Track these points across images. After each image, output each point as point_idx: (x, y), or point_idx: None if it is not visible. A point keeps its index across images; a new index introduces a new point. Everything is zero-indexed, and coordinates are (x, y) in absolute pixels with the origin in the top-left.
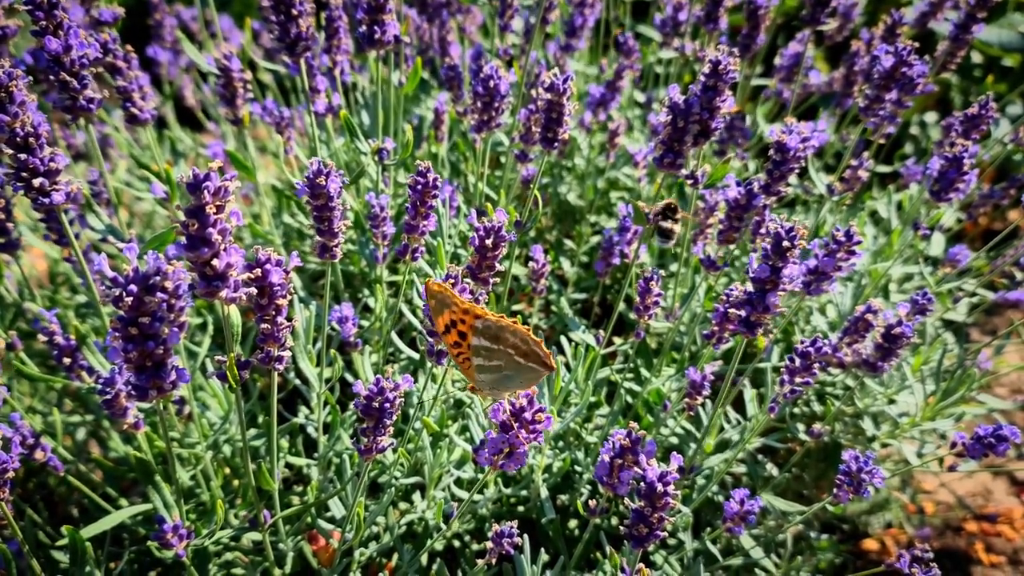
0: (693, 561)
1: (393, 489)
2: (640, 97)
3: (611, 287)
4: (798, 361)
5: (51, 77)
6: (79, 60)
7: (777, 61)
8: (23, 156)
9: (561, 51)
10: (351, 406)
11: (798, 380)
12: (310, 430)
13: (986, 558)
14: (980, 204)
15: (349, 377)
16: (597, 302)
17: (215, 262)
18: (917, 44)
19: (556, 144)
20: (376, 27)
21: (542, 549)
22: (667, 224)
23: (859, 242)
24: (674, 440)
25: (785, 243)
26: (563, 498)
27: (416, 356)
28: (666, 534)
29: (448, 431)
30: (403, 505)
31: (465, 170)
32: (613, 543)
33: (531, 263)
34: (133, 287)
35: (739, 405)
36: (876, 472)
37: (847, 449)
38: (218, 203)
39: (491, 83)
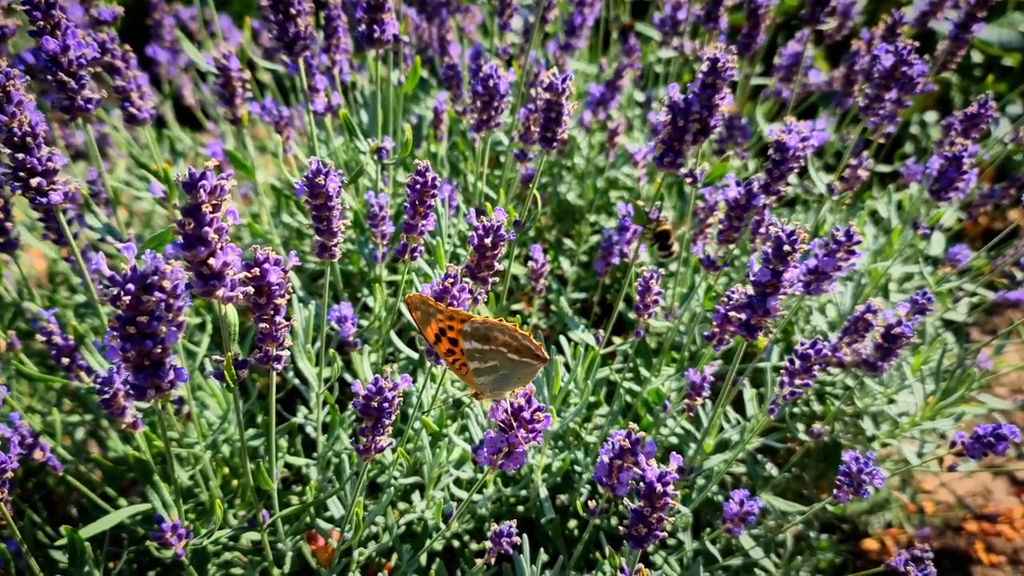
0: (693, 561)
1: (392, 489)
2: (640, 96)
3: (611, 287)
4: (798, 363)
5: (49, 77)
6: (77, 60)
7: (777, 60)
8: (20, 155)
9: (560, 50)
10: (350, 406)
11: (798, 382)
12: (309, 430)
13: (986, 558)
14: (980, 204)
15: (348, 377)
16: (597, 302)
17: (211, 261)
18: (917, 43)
19: (555, 143)
20: (375, 26)
21: (541, 549)
22: (666, 243)
23: (859, 242)
24: (674, 440)
25: (786, 247)
26: (563, 498)
27: (415, 356)
28: (665, 534)
29: (447, 431)
30: (402, 505)
31: (464, 169)
32: (612, 543)
33: (530, 262)
34: (131, 286)
35: (739, 405)
36: (876, 472)
37: (847, 449)
38: (214, 202)
39: (490, 82)
